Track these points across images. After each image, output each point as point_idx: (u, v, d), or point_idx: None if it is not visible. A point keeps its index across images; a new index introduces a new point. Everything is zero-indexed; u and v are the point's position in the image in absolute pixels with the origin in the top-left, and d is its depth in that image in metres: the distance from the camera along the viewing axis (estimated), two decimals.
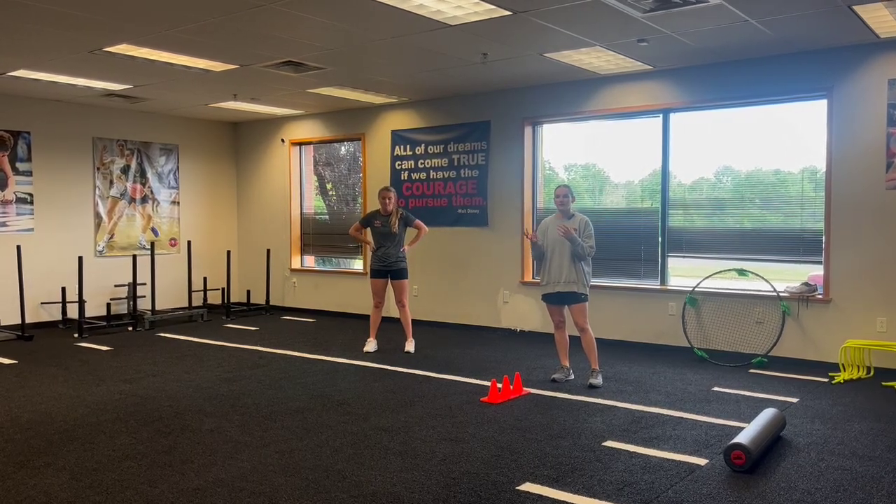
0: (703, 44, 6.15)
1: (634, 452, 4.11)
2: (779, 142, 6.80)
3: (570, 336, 6.04)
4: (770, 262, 6.83)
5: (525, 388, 5.59)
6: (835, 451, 4.14)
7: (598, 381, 5.74)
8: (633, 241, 7.55)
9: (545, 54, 6.48)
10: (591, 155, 8.05)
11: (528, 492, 3.54)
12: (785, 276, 6.78)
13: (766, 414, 4.34)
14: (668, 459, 3.99)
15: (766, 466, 3.88)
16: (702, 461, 3.96)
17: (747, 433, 3.96)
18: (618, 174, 7.87)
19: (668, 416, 4.88)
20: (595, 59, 6.65)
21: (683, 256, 7.30)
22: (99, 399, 5.37)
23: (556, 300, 5.86)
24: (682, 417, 4.83)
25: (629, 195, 7.77)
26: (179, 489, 3.57)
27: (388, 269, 7.11)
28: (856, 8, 5.17)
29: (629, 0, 4.96)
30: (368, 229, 7.28)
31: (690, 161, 7.26)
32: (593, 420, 4.78)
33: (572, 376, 5.97)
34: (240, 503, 3.39)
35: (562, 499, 3.45)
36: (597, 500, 3.43)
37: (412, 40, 5.98)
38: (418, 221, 7.23)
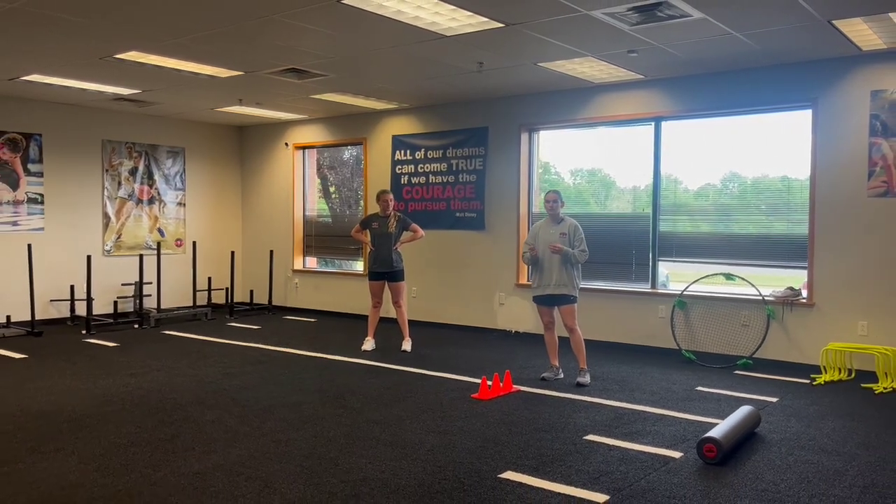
0: (691, 55, 6.35)
1: (613, 446, 4.31)
2: (767, 150, 6.99)
3: (559, 336, 6.24)
4: (756, 266, 7.02)
5: (515, 386, 5.79)
6: (805, 447, 4.34)
7: (586, 379, 5.94)
8: (625, 246, 7.75)
9: (539, 64, 6.70)
10: (584, 161, 8.26)
11: (508, 479, 3.74)
12: (770, 281, 6.97)
13: (741, 411, 4.54)
14: (645, 452, 4.19)
15: (738, 459, 4.08)
16: (676, 454, 4.17)
17: (720, 428, 4.17)
18: (610, 180, 8.07)
19: (650, 413, 5.08)
20: (588, 68, 6.87)
21: (673, 261, 7.51)
22: (106, 391, 5.60)
23: (547, 301, 6.07)
24: (663, 415, 5.03)
25: (621, 200, 7.97)
26: (181, 473, 3.80)
27: (385, 272, 7.32)
28: (835, 22, 5.37)
29: (616, 14, 5.18)
30: (367, 231, 7.50)
31: (681, 168, 7.46)
32: (578, 416, 4.98)
33: (561, 375, 6.17)
34: (237, 486, 3.62)
35: (540, 486, 3.66)
36: (573, 488, 3.63)
37: (410, 50, 6.21)
38: (415, 225, 7.44)
